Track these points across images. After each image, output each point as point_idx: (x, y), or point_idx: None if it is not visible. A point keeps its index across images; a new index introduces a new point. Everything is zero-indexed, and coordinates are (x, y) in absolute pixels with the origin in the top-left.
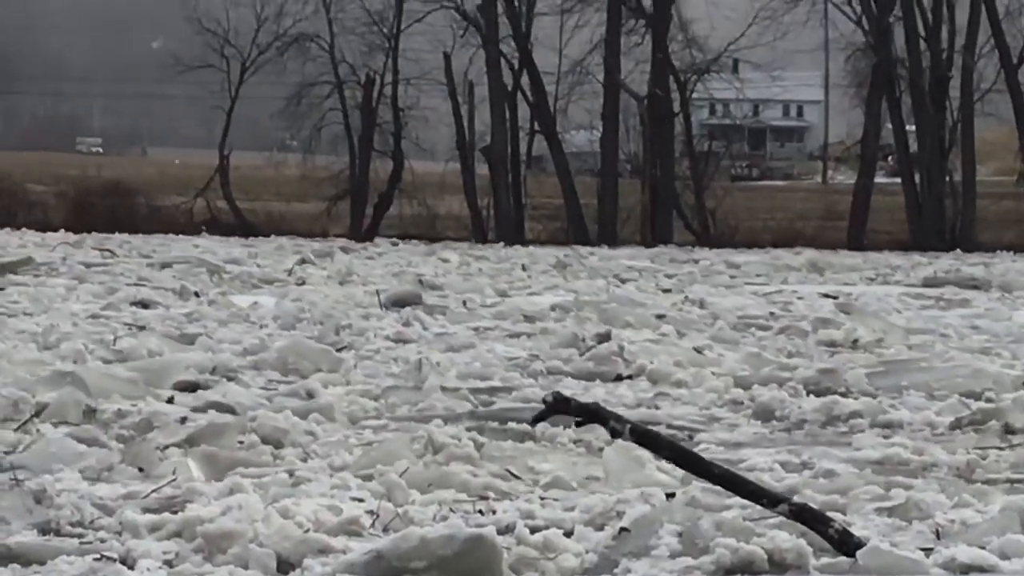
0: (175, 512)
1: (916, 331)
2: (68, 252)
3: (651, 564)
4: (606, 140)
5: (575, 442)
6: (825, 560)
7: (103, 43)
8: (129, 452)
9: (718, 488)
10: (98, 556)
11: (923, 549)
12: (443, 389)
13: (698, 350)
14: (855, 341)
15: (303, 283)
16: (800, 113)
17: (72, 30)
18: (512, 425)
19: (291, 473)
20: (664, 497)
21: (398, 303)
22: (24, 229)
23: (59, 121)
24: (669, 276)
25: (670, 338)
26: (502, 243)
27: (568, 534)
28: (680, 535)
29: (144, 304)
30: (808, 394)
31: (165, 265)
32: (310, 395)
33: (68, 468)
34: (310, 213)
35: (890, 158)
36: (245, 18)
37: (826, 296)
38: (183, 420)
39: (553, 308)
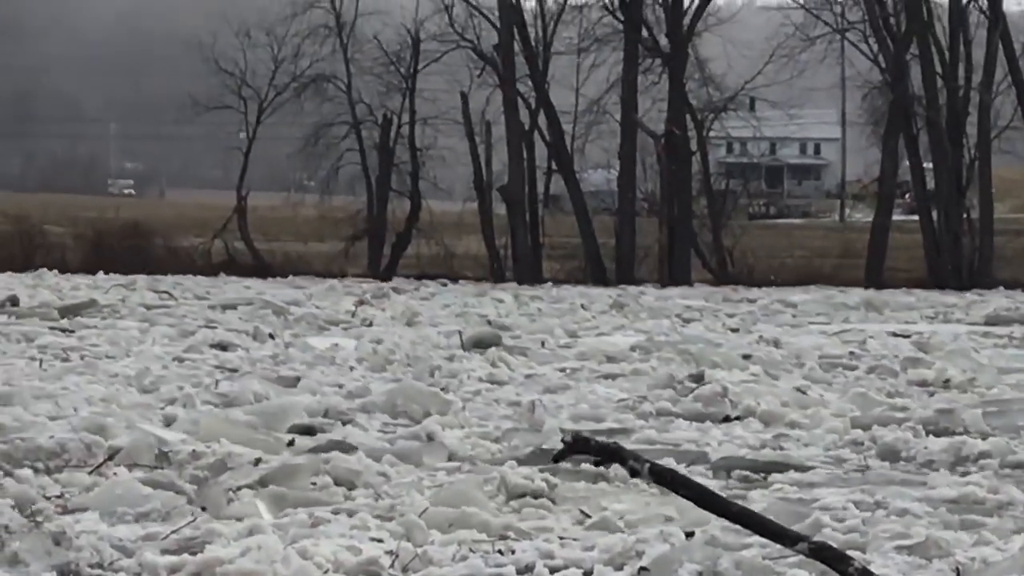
0: (194, 554)
1: (1007, 370)
2: (123, 294)
3: None
4: (623, 179)
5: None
6: None
7: (120, 85)
8: (201, 494)
9: (738, 527)
10: None
11: None
12: (562, 431)
13: (801, 390)
14: (946, 381)
15: (370, 324)
16: (817, 151)
17: (89, 72)
18: (584, 466)
19: (351, 514)
20: (684, 536)
21: (478, 344)
22: (44, 268)
23: (77, 163)
24: (730, 315)
25: (763, 378)
26: (550, 283)
27: (588, 574)
28: (700, 574)
29: (223, 346)
30: (927, 434)
31: (227, 307)
32: (430, 438)
33: (131, 510)
34: (328, 253)
35: (907, 195)
36: (262, 59)
37: (896, 335)
38: (257, 462)
39: (633, 349)
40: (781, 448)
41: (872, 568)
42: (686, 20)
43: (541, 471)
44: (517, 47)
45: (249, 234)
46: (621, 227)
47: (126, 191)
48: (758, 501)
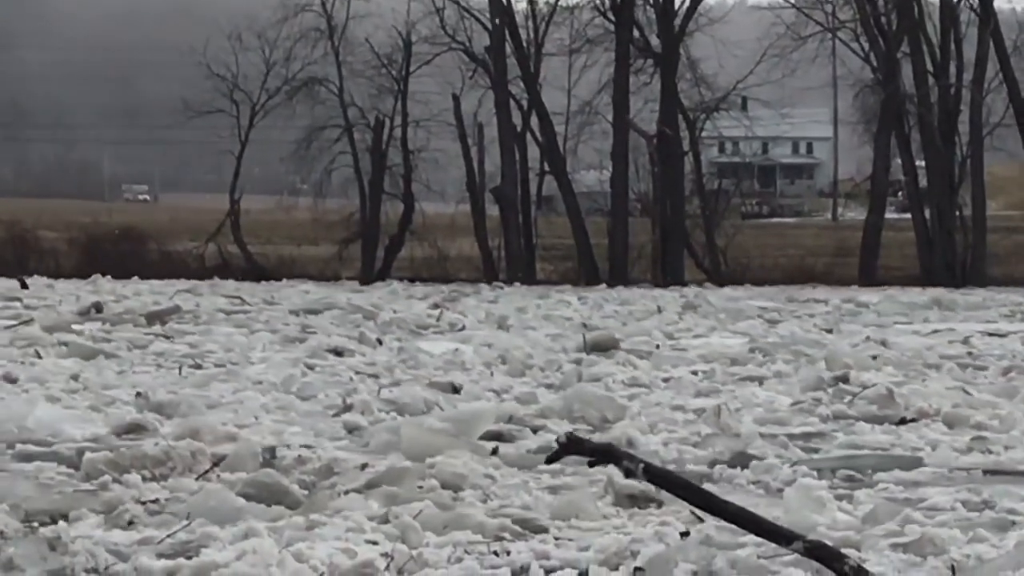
0: (189, 558)
1: None
2: (192, 299)
3: None
4: (616, 179)
5: (753, 483)
6: None
7: (113, 90)
8: (310, 499)
9: (733, 526)
10: None
11: None
12: (761, 436)
13: (965, 390)
14: None
15: (462, 328)
16: (810, 150)
17: (81, 78)
18: (689, 467)
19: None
20: (679, 536)
21: (597, 347)
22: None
23: (70, 167)
24: (810, 316)
25: (910, 379)
26: (603, 284)
27: (583, 574)
28: (695, 574)
29: (338, 352)
30: None
31: (310, 311)
32: (631, 443)
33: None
34: (321, 256)
35: (900, 194)
36: (254, 63)
37: (993, 335)
38: (363, 466)
39: (752, 351)
40: (989, 452)
41: (867, 566)
42: (677, 20)
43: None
44: (509, 49)
45: (242, 237)
46: (614, 227)
47: (141, 196)
48: None
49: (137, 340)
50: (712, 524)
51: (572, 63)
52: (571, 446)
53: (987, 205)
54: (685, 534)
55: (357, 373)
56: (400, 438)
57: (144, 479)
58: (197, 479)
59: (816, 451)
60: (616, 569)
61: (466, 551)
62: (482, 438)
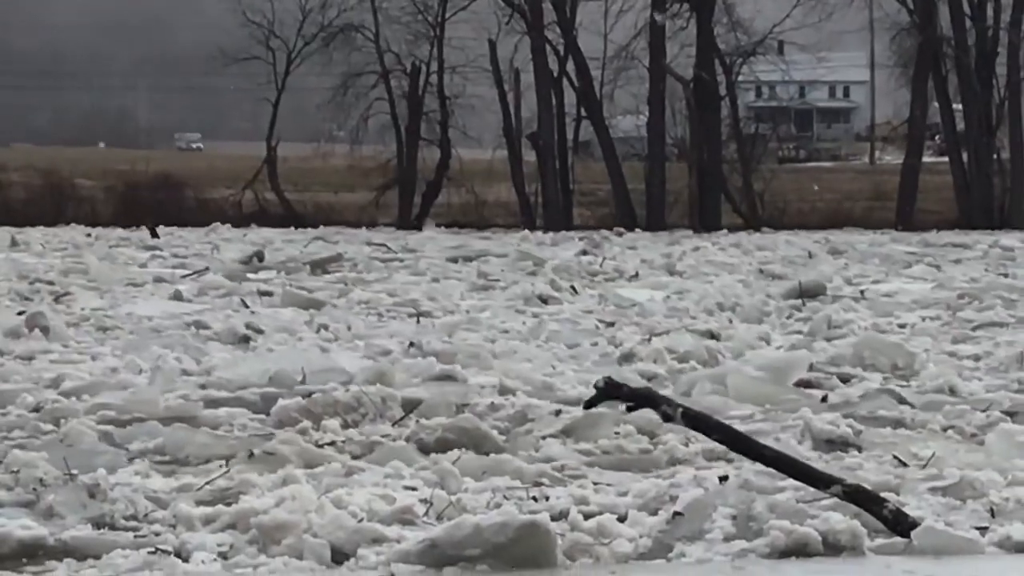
0: (229, 504)
1: None
2: (322, 246)
3: (705, 548)
4: (652, 125)
5: (945, 428)
6: (880, 541)
7: (149, 38)
8: (510, 443)
9: (771, 471)
10: (152, 549)
11: (978, 528)
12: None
13: None
14: None
15: (636, 275)
16: (846, 94)
17: (117, 26)
18: (882, 412)
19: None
20: (717, 481)
21: (807, 294)
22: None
23: (106, 116)
24: (965, 260)
25: None
26: (724, 230)
27: (622, 519)
28: (734, 518)
29: (543, 299)
30: None
31: (469, 259)
32: (952, 391)
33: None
34: (358, 203)
35: (937, 137)
36: (290, 9)
37: None
38: (558, 413)
39: (961, 296)
40: None
41: (906, 510)
42: None
43: (844, 417)
44: None
45: (279, 185)
46: (651, 173)
47: (194, 145)
48: None
49: (328, 288)
50: (751, 468)
51: (608, 8)
52: (609, 390)
53: None
54: (724, 478)
55: (601, 321)
56: (727, 386)
57: (344, 426)
58: (393, 425)
59: None
60: (655, 514)
61: (505, 496)
62: (796, 385)
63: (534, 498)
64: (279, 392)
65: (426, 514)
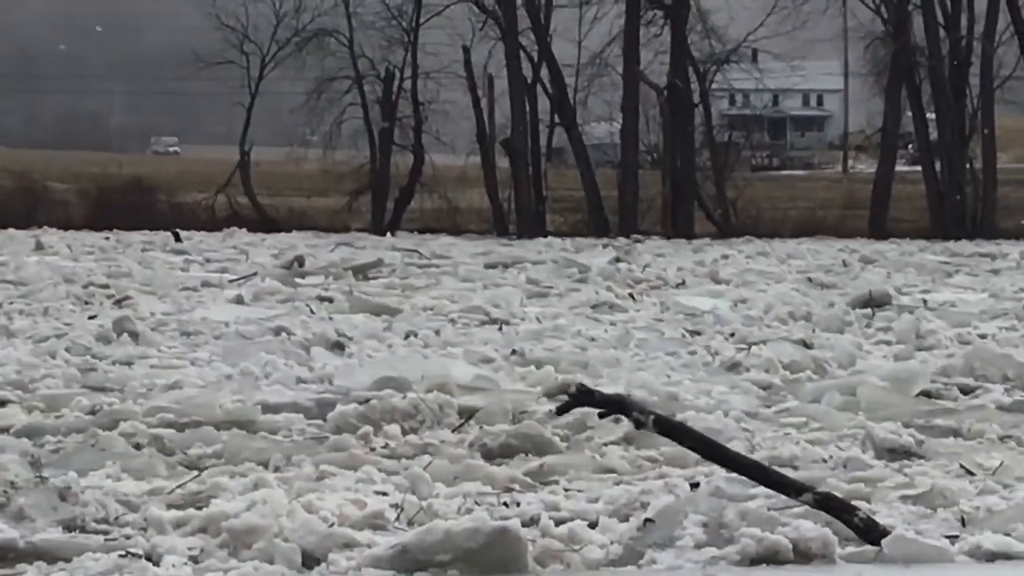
0: (200, 508)
1: None
2: (351, 252)
3: (676, 555)
4: (626, 132)
5: (1002, 438)
6: (850, 549)
7: (123, 41)
8: (572, 450)
9: (743, 478)
10: (123, 553)
11: (948, 537)
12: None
13: None
14: None
15: (683, 283)
16: (820, 102)
17: (89, 28)
18: (938, 422)
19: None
20: (688, 487)
21: (873, 303)
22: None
23: (79, 119)
24: (996, 271)
25: None
26: (746, 236)
27: (593, 525)
28: (705, 525)
29: (609, 305)
30: None
31: (505, 265)
32: None
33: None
34: (331, 208)
35: (910, 146)
36: (264, 14)
37: None
38: (617, 420)
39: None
40: None
41: (877, 518)
42: None
43: (905, 426)
44: (519, 0)
45: (252, 189)
46: (624, 180)
47: (171, 149)
48: None
49: (385, 294)
50: (722, 476)
51: (582, 15)
52: (582, 397)
53: (997, 157)
54: (695, 485)
55: (687, 331)
56: (858, 397)
57: (404, 432)
58: (453, 431)
59: None
60: (626, 520)
61: (476, 502)
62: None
63: (505, 504)
64: (335, 398)
65: (397, 519)
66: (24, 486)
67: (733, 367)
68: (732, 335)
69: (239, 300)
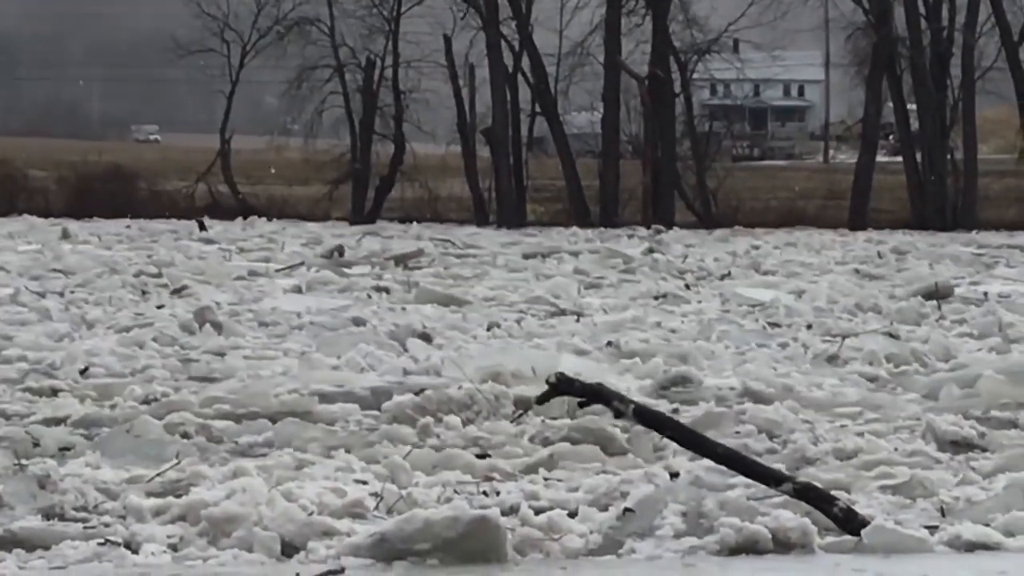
0: (179, 496)
1: None
2: (374, 240)
3: (656, 544)
4: (607, 121)
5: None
6: (830, 539)
7: (103, 28)
8: (632, 443)
9: (722, 468)
10: (102, 540)
11: (928, 527)
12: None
13: None
14: None
15: (728, 273)
16: (801, 93)
17: (71, 15)
18: (995, 414)
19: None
20: (668, 477)
21: (937, 295)
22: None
23: (59, 107)
24: None
25: None
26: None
27: (572, 515)
28: (684, 515)
29: (664, 295)
30: None
31: (543, 256)
32: None
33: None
34: (311, 196)
35: (891, 137)
36: (244, 1)
37: None
38: (675, 410)
39: None
40: None
41: (857, 508)
42: None
43: (966, 418)
44: None
45: (232, 177)
46: (605, 169)
47: (152, 137)
48: None
49: (440, 283)
50: (702, 465)
51: (564, 4)
52: (561, 386)
53: (978, 148)
54: (675, 475)
55: (769, 322)
56: (977, 389)
57: (464, 423)
58: (512, 421)
59: None
60: (606, 509)
61: (455, 491)
62: None
63: (484, 493)
64: (389, 388)
65: (376, 508)
66: (3, 473)
67: (831, 359)
68: (809, 327)
69: (298, 290)
